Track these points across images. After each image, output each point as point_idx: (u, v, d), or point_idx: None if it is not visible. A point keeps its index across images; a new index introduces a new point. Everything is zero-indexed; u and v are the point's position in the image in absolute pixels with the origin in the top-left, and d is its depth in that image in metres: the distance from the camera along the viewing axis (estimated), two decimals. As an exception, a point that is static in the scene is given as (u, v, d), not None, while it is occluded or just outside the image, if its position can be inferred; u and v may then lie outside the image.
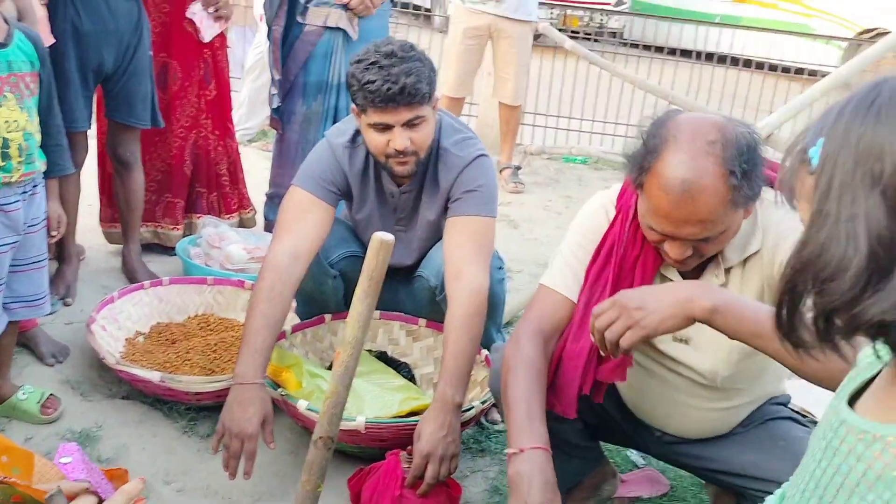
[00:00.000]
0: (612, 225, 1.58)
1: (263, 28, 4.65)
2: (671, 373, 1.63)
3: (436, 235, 2.27)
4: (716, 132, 1.34)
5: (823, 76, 4.58)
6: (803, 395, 2.53)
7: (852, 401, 0.86)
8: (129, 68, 2.70)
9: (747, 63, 6.15)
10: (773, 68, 6.47)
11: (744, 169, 1.32)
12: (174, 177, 3.17)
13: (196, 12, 2.94)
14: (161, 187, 3.17)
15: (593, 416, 1.71)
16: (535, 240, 3.96)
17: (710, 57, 6.27)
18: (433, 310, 2.33)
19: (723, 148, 1.32)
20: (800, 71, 6.36)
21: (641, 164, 1.38)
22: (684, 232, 1.38)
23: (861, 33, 8.19)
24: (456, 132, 2.19)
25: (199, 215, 3.27)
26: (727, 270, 1.51)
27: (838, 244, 0.73)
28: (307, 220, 2.12)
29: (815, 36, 7.93)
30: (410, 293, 2.37)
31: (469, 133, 2.22)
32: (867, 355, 0.89)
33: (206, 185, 3.27)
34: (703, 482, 1.96)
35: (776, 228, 1.49)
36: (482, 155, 2.15)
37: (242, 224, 3.38)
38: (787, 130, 3.54)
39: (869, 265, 0.72)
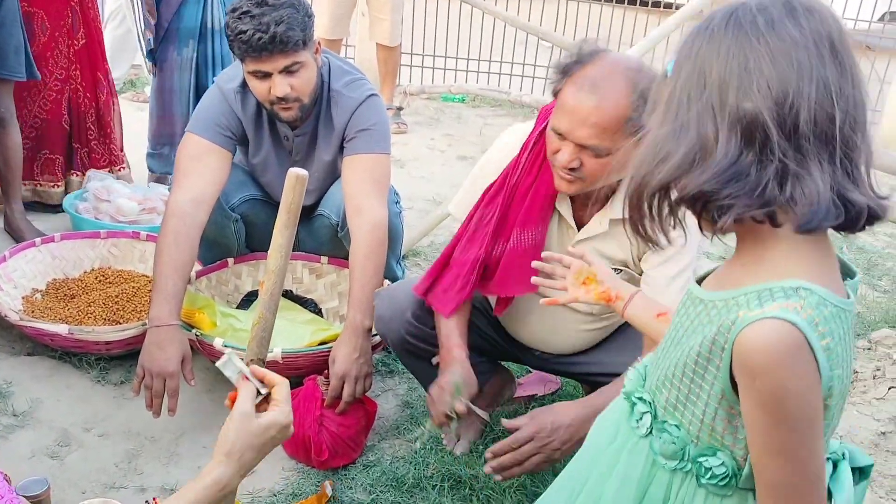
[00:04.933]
0: (517, 156, 1.73)
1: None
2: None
3: (332, 175, 2.37)
4: (638, 65, 1.53)
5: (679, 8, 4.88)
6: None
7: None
8: (-4, 18, 2.58)
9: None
10: (632, 2, 6.78)
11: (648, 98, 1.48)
12: (51, 132, 3.07)
13: (60, -42, 2.82)
14: (38, 143, 3.07)
15: (479, 338, 1.91)
16: (422, 178, 4.10)
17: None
18: (334, 246, 2.44)
19: (638, 75, 1.49)
20: (656, 4, 6.72)
21: (566, 69, 1.55)
22: (579, 133, 1.51)
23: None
24: (345, 74, 2.27)
25: (73, 172, 3.18)
26: (612, 221, 1.68)
27: (674, 132, 0.93)
28: (206, 167, 2.16)
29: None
30: (311, 232, 2.47)
31: (358, 74, 2.31)
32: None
33: (79, 139, 3.18)
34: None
35: None
36: (373, 94, 2.26)
37: None
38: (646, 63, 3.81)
39: (694, 148, 0.91)
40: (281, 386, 1.21)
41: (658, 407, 1.07)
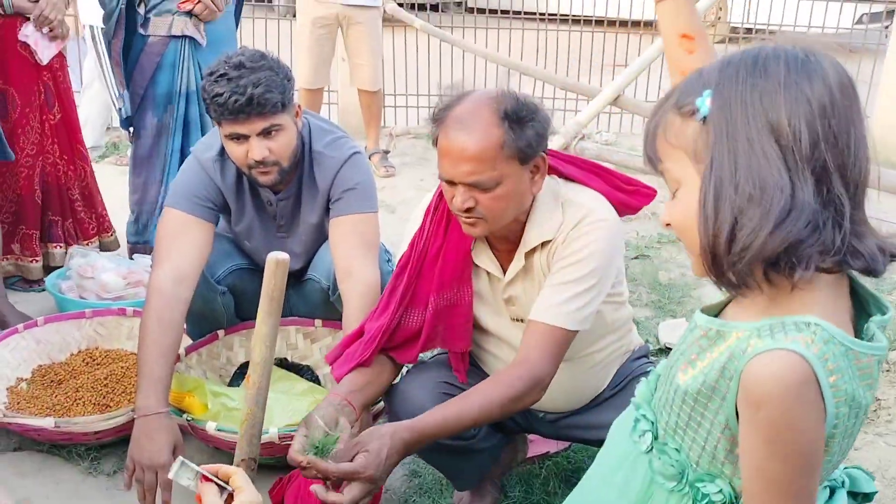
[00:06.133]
0: (422, 223, 1.73)
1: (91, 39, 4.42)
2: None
3: (319, 237, 2.29)
4: (498, 93, 1.53)
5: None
6: (671, 331, 2.75)
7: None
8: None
9: (588, 21, 6.42)
10: (612, 23, 6.77)
11: (516, 117, 1.49)
12: (26, 208, 3.02)
13: (29, 34, 2.78)
14: (16, 220, 3.01)
15: None
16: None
17: (553, 18, 6.51)
18: (327, 310, 2.36)
19: (500, 100, 1.49)
20: (637, 23, 6.70)
21: (437, 118, 1.55)
22: (460, 171, 1.51)
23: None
24: (326, 133, 2.21)
25: (55, 245, 3.13)
26: (528, 255, 1.65)
27: (752, 185, 0.87)
28: (187, 241, 2.08)
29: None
30: (303, 296, 2.38)
31: (339, 133, 2.24)
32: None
33: (60, 212, 3.12)
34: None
35: (580, 213, 1.60)
36: (356, 153, 2.19)
37: (103, 248, 3.26)
38: (630, 92, 3.77)
39: (786, 203, 0.86)
40: (237, 475, 1.17)
41: (659, 427, 1.08)
